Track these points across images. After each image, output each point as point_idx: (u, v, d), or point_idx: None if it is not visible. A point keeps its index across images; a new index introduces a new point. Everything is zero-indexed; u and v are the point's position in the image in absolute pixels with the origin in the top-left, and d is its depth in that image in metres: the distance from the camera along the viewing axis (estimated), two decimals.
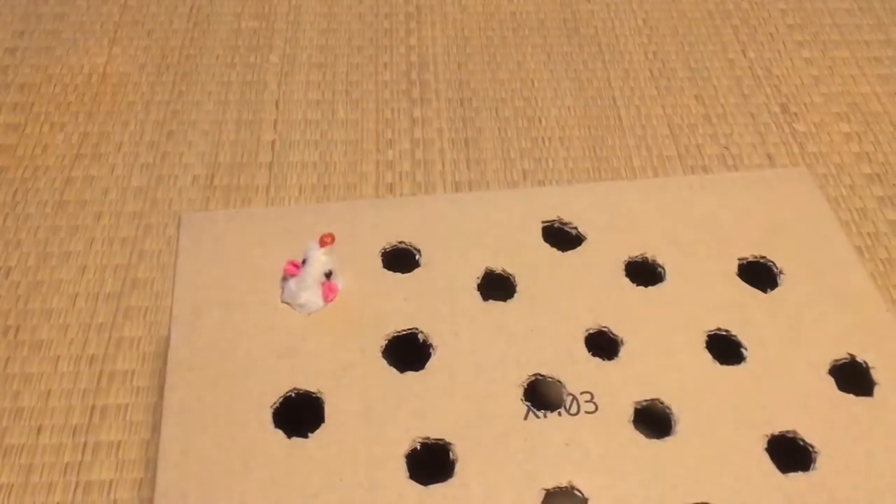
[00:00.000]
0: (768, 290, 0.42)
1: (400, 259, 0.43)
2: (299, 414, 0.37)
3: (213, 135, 0.66)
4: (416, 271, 0.42)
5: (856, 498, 0.34)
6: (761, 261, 0.43)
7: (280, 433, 0.36)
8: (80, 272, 0.57)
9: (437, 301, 0.40)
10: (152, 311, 0.55)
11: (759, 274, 0.43)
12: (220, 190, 0.62)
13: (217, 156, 0.64)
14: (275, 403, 0.37)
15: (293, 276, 0.40)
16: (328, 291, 0.40)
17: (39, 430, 0.49)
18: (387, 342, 0.39)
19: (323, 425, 0.36)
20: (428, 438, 0.35)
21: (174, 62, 0.71)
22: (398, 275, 0.42)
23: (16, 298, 0.55)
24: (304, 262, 0.40)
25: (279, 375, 0.38)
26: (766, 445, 0.36)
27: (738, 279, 0.42)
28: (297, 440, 0.36)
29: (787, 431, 0.36)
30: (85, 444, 0.49)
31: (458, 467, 0.35)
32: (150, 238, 0.59)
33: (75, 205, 0.61)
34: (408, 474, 0.35)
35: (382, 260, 0.42)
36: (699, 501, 0.34)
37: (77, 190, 0.62)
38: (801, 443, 0.36)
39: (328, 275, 0.40)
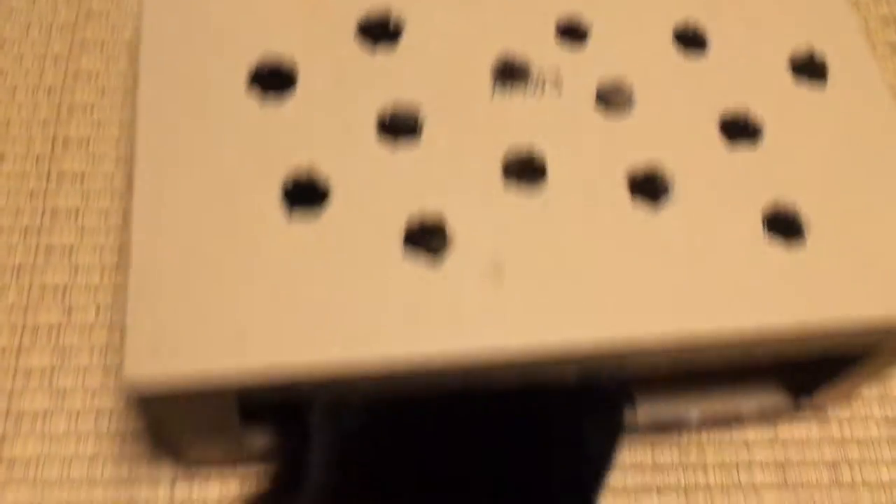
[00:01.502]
0: None
1: None
2: (272, 85, 0.37)
3: None
4: None
5: (796, 170, 0.37)
6: None
7: (254, 97, 0.36)
8: (31, 0, 0.54)
9: None
10: (109, 44, 0.53)
11: None
12: None
13: None
14: (250, 71, 0.37)
15: None
16: None
17: (2, 157, 0.50)
18: (360, 20, 0.39)
19: (295, 92, 0.37)
20: (398, 104, 0.36)
21: None
22: None
23: None
24: None
25: (253, 48, 0.38)
26: (719, 122, 0.38)
27: None
28: (271, 102, 0.36)
29: (740, 111, 0.38)
30: (49, 173, 0.50)
31: (425, 130, 0.36)
32: None
33: None
34: (377, 136, 0.36)
35: None
36: (650, 165, 0.36)
37: None
38: (752, 122, 0.38)
39: None
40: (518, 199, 0.35)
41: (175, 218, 0.33)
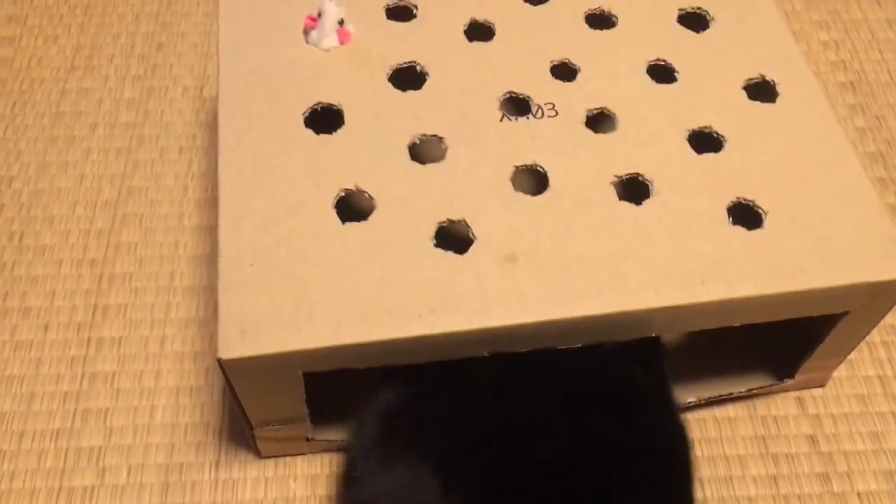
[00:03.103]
0: (700, 31, 0.50)
1: (401, 13, 0.51)
2: (325, 123, 0.46)
3: (202, 46, 0.67)
4: (414, 20, 0.50)
5: (753, 171, 0.44)
6: (697, 11, 0.51)
7: (310, 131, 0.45)
8: (78, 181, 0.60)
9: (431, 41, 0.49)
10: (147, 217, 0.58)
11: (694, 22, 0.50)
12: (209, 101, 0.64)
13: (206, 67, 0.66)
14: (305, 112, 0.46)
15: (313, 28, 0.48)
16: (343, 36, 0.48)
17: (46, 327, 0.53)
18: (392, 71, 0.47)
19: (343, 127, 0.45)
20: (425, 134, 0.45)
21: None
22: (400, 23, 0.50)
23: (19, 206, 0.58)
24: (319, 15, 0.47)
25: (308, 95, 0.46)
26: (687, 136, 0.45)
27: (677, 24, 0.50)
28: (324, 136, 0.45)
29: (705, 127, 0.45)
30: (89, 340, 0.53)
31: (448, 153, 0.44)
32: (143, 148, 0.61)
33: (71, 116, 0.63)
34: (409, 158, 0.44)
35: (386, 13, 0.50)
36: (632, 172, 0.43)
37: (72, 101, 0.64)
38: (715, 135, 0.45)
39: (341, 22, 0.48)
40: (526, 204, 0.42)
41: (251, 230, 0.41)
